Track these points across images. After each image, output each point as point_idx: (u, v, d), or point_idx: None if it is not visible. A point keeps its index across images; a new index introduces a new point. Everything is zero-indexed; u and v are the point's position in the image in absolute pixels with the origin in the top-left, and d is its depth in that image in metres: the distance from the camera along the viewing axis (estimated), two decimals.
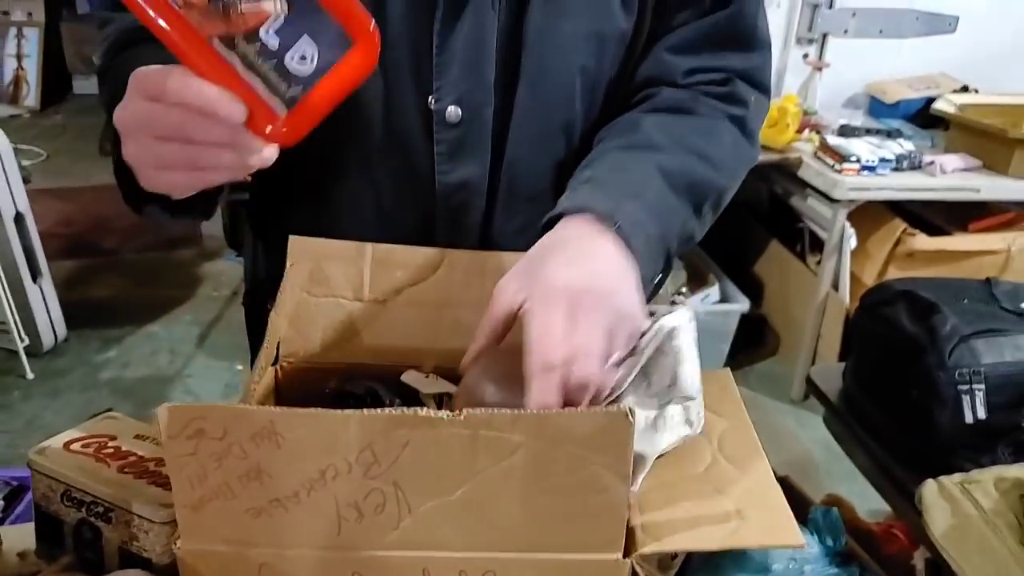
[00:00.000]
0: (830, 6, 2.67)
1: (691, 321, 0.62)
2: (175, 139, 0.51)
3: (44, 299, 2.45)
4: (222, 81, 0.49)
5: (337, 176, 0.74)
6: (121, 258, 3.17)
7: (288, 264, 0.71)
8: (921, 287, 1.06)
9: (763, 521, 0.54)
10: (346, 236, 0.71)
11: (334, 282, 0.72)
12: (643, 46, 0.73)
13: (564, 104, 0.72)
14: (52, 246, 2.60)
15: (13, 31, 4.01)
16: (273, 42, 0.49)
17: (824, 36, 2.71)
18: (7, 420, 2.19)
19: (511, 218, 0.75)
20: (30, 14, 4.02)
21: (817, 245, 2.35)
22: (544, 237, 0.61)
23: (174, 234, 3.23)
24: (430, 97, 0.68)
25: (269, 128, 0.50)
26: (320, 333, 0.70)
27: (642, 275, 0.60)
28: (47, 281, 2.46)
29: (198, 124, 0.50)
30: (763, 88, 0.75)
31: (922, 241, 2.16)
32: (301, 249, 0.72)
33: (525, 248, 0.61)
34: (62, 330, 2.52)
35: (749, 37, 0.73)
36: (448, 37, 0.66)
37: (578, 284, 0.55)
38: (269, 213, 0.81)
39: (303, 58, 0.50)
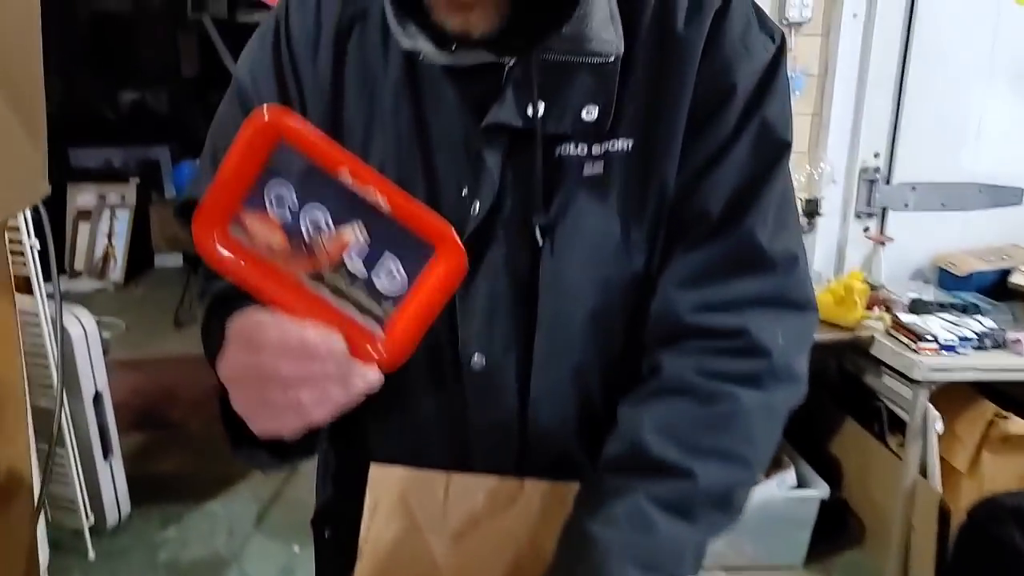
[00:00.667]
0: (887, 181, 2.70)
1: None
2: (281, 385, 0.51)
3: (112, 477, 2.47)
4: (317, 317, 0.50)
5: (381, 420, 0.75)
6: (187, 430, 3.21)
7: (369, 498, 0.70)
8: None
9: None
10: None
11: (416, 516, 0.71)
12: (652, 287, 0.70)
13: (579, 348, 0.70)
14: (123, 418, 2.66)
15: (107, 212, 4.32)
16: (358, 266, 0.51)
17: (884, 210, 2.72)
18: None
19: (542, 457, 0.73)
20: (123, 197, 4.35)
21: (897, 425, 2.24)
22: None
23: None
24: (456, 351, 0.70)
25: (370, 351, 0.51)
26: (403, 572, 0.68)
27: None
28: (117, 458, 2.49)
29: (302, 367, 0.50)
30: (792, 305, 0.67)
31: (1017, 425, 2.03)
32: (382, 480, 0.71)
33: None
34: (126, 506, 2.52)
35: (759, 257, 0.66)
36: (467, 291, 0.68)
37: None
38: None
39: (390, 274, 0.51)
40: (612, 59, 0.65)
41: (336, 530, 0.84)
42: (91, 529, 2.34)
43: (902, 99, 2.62)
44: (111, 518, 2.46)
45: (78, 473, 2.29)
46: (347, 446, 0.80)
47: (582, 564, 0.61)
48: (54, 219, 4.25)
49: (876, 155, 2.67)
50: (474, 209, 0.67)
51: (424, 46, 0.65)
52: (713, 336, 0.66)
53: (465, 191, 0.68)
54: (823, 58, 2.58)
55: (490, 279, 0.69)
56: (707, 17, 0.66)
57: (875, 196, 2.69)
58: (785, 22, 2.46)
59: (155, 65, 5.40)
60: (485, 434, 0.73)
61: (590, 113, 0.66)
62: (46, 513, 2.29)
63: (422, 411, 0.73)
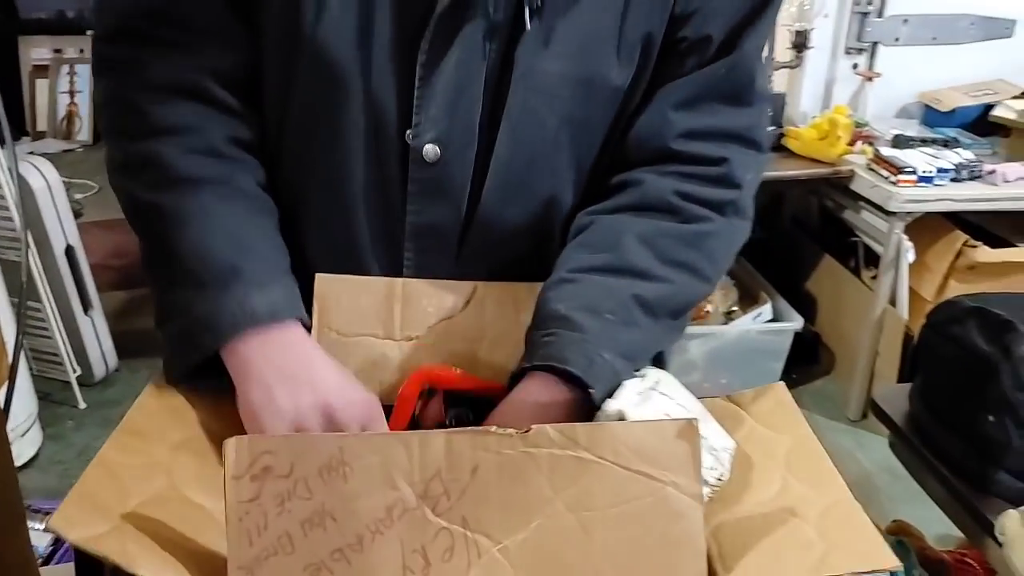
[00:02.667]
0: (880, 14, 2.60)
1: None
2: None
3: (95, 330, 2.49)
4: None
5: (312, 205, 0.70)
6: None
7: (316, 304, 0.69)
8: (993, 303, 1.00)
9: (850, 545, 0.50)
10: (317, 268, 0.70)
11: (365, 321, 0.70)
12: (642, 97, 0.68)
13: (547, 153, 0.67)
14: (103, 278, 2.64)
15: (65, 68, 4.13)
16: None
17: (874, 45, 2.63)
18: (60, 450, 2.21)
19: (479, 265, 0.71)
20: (82, 50, 4.14)
21: (872, 260, 2.27)
22: (513, 400, 0.63)
23: None
24: (406, 135, 0.65)
25: None
26: (354, 375, 0.67)
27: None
28: (98, 313, 2.50)
29: None
30: (758, 146, 0.71)
31: (985, 253, 2.06)
32: (328, 288, 0.69)
33: None
34: (113, 360, 2.56)
35: (747, 89, 0.68)
36: (432, 70, 0.63)
37: None
38: None
39: None
40: None
41: None
42: (79, 380, 2.38)
43: None
44: (98, 371, 2.50)
45: (58, 326, 2.30)
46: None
47: (570, 347, 0.62)
48: (7, 76, 4.06)
49: None
50: None
51: None
52: (696, 162, 0.68)
53: None
54: None
55: (459, 62, 0.63)
56: None
57: (866, 30, 2.60)
58: None
59: None
60: (422, 234, 0.69)
61: None
62: (30, 365, 2.32)
63: (356, 204, 0.68)
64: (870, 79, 2.54)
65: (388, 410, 0.65)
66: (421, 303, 0.70)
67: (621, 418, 0.56)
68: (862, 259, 2.38)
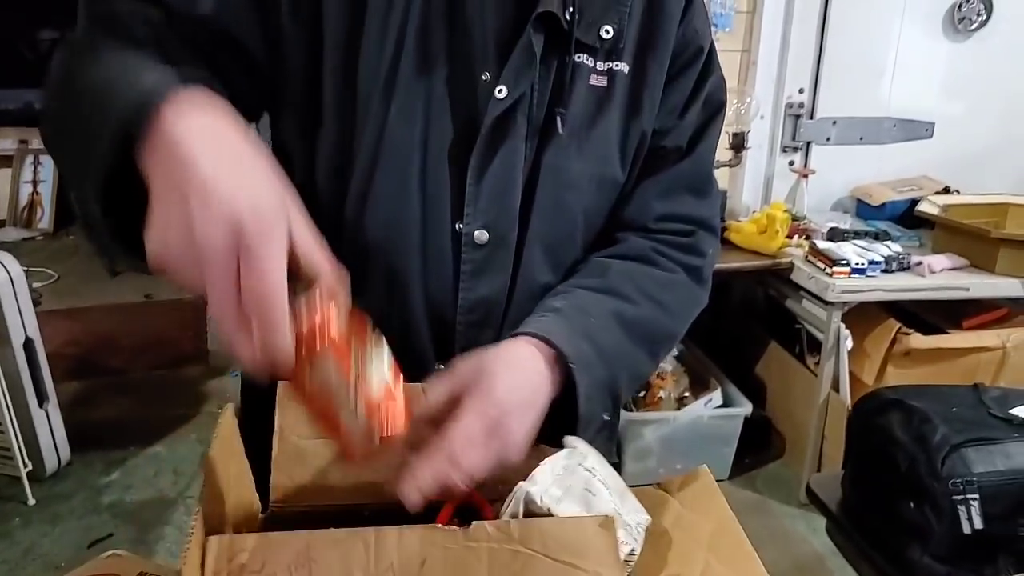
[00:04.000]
0: (811, 116, 2.80)
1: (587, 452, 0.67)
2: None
3: (49, 423, 2.45)
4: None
5: (362, 293, 0.77)
6: (127, 377, 3.19)
7: (277, 409, 0.72)
8: (911, 395, 1.08)
9: None
10: None
11: None
12: (629, 189, 0.83)
13: (571, 232, 0.80)
14: (59, 367, 2.62)
15: (30, 159, 4.17)
16: None
17: (808, 144, 2.82)
18: (5, 548, 2.16)
19: (516, 327, 0.80)
20: None
21: (815, 346, 2.38)
22: (502, 347, 0.69)
23: (182, 351, 3.26)
24: (457, 224, 0.76)
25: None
26: (311, 476, 0.69)
27: (582, 414, 0.69)
28: (53, 405, 2.47)
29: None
30: (715, 232, 0.87)
31: (918, 340, 2.18)
32: (289, 396, 0.73)
33: None
34: (66, 453, 2.51)
35: (706, 183, 0.86)
36: (481, 171, 0.75)
37: (508, 407, 0.63)
38: None
39: None
40: None
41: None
42: (29, 476, 2.33)
43: (825, 36, 2.70)
44: (50, 464, 2.45)
45: (11, 421, 2.28)
46: None
47: (557, 327, 0.72)
48: None
49: (801, 91, 2.76)
50: (499, 93, 0.73)
51: None
52: (671, 234, 0.84)
53: (486, 76, 0.73)
54: None
55: (503, 162, 0.75)
56: None
57: (799, 130, 2.79)
58: None
59: (73, 1, 5.16)
60: (473, 308, 0.78)
61: (608, 33, 0.77)
62: None
63: (413, 285, 0.77)
64: (805, 176, 2.71)
65: (359, 508, 0.69)
66: None
67: (543, 496, 0.60)
68: (806, 345, 2.49)
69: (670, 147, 0.83)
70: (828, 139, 2.81)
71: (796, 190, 2.71)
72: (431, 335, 0.78)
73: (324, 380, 0.51)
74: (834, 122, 2.80)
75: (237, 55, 0.72)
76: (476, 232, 0.76)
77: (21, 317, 2.32)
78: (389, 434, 0.53)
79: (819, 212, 2.75)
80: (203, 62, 0.68)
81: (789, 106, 2.77)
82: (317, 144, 0.76)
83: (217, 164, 0.48)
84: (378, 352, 0.55)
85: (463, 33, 0.74)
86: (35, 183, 4.16)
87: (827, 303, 2.17)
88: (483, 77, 0.74)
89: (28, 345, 2.34)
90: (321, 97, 0.74)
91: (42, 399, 2.41)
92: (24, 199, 4.13)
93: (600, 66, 0.78)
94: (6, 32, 4.98)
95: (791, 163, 2.83)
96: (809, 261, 2.29)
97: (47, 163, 4.12)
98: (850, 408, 2.14)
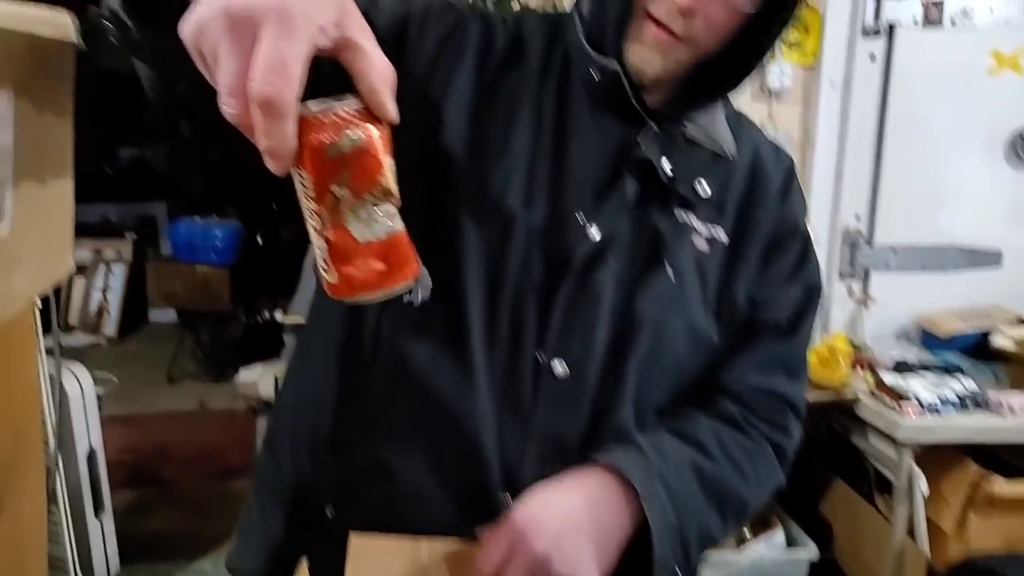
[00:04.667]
0: (869, 243, 2.77)
1: None
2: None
3: (103, 534, 2.46)
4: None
5: (440, 412, 0.77)
6: (178, 487, 3.19)
7: (348, 566, 0.72)
8: (1009, 566, 1.01)
9: None
10: (437, 473, 0.76)
11: None
12: (722, 354, 0.84)
13: (662, 383, 0.81)
14: (114, 475, 2.65)
15: (103, 268, 4.36)
16: None
17: (867, 271, 2.78)
18: None
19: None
20: (119, 252, 4.39)
21: (885, 486, 2.26)
22: (576, 474, 0.72)
23: (232, 463, 3.26)
24: (539, 353, 0.76)
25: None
26: None
27: (657, 556, 0.70)
28: (108, 516, 2.48)
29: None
30: (802, 418, 0.88)
31: (1001, 486, 2.05)
32: (362, 550, 0.73)
33: None
34: (115, 564, 2.50)
35: (801, 366, 0.88)
36: (569, 305, 0.76)
37: (572, 533, 0.68)
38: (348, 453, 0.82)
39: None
40: (729, 156, 0.83)
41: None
42: None
43: (881, 164, 2.70)
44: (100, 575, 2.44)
45: (68, 532, 2.28)
46: (373, 478, 0.79)
47: (635, 463, 0.74)
48: None
49: (857, 218, 2.75)
50: (591, 234, 0.76)
51: (612, 65, 0.76)
52: (760, 407, 0.85)
53: (581, 215, 0.77)
54: (803, 125, 2.67)
55: (592, 299, 0.77)
56: (783, 167, 0.87)
57: (857, 258, 2.76)
58: (766, 91, 2.56)
59: (154, 122, 5.49)
60: (546, 442, 0.77)
61: (703, 188, 0.81)
62: None
63: (486, 412, 0.76)
64: (866, 304, 2.66)
65: None
66: (449, 567, 0.74)
67: None
68: (875, 484, 2.37)
69: (769, 320, 0.85)
70: (888, 266, 2.77)
71: (857, 319, 2.66)
72: (500, 462, 0.77)
73: (299, 191, 0.49)
74: (894, 249, 2.77)
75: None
76: (555, 364, 0.76)
77: (87, 428, 2.36)
78: (350, 277, 0.51)
79: (882, 342, 2.68)
80: None
81: (846, 233, 2.76)
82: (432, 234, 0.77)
83: None
84: (379, 211, 0.52)
85: (565, 173, 0.78)
86: (105, 291, 4.33)
87: (897, 443, 2.08)
88: (578, 216, 0.77)
89: (91, 456, 2.37)
90: (423, 209, 0.76)
91: (98, 509, 2.42)
92: (94, 306, 4.29)
93: (702, 229, 0.81)
94: (88, 149, 5.30)
95: (850, 291, 2.79)
96: (875, 396, 2.22)
97: (118, 272, 4.30)
98: (929, 556, 2.02)
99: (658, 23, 0.74)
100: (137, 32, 0.56)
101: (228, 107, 0.47)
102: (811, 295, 0.87)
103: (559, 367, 0.76)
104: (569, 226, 0.77)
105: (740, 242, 0.83)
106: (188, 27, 0.48)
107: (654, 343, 0.79)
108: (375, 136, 0.50)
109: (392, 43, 0.76)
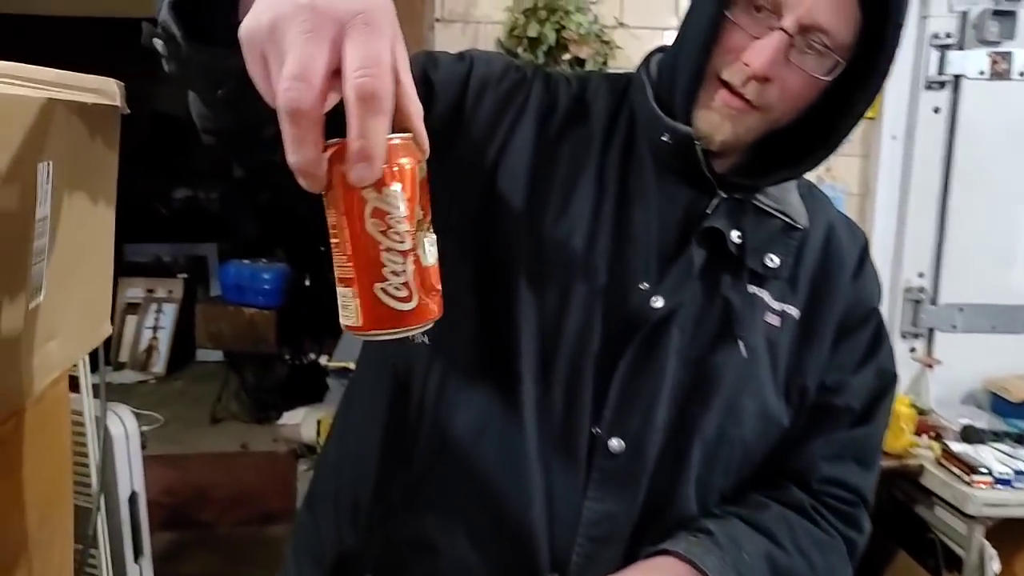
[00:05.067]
0: (933, 302, 2.66)
1: None
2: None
3: None
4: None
5: (488, 486, 0.74)
6: (215, 532, 3.18)
7: None
8: None
9: None
10: (483, 550, 0.72)
11: None
12: (791, 438, 0.79)
13: (727, 468, 0.77)
14: (154, 517, 2.64)
15: (154, 306, 4.44)
16: None
17: (931, 331, 2.67)
18: None
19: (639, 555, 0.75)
20: (171, 291, 4.47)
21: (954, 562, 2.13)
22: (647, 563, 0.70)
23: (270, 508, 3.24)
24: (595, 427, 0.72)
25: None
26: None
27: None
28: (147, 559, 2.46)
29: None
30: (869, 506, 0.83)
31: None
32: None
33: None
34: None
35: (874, 456, 0.84)
36: (630, 378, 0.72)
37: None
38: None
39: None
40: (801, 227, 0.79)
41: None
42: None
43: (946, 218, 2.61)
44: None
45: (108, 574, 2.26)
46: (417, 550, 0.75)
47: (709, 554, 0.71)
48: None
49: (920, 275, 2.65)
50: (656, 302, 0.73)
51: (685, 129, 0.73)
52: (833, 499, 0.81)
53: (645, 285, 0.73)
54: (863, 178, 2.61)
55: (654, 373, 0.73)
56: (858, 245, 0.84)
57: (921, 316, 2.65)
58: None
59: (207, 164, 5.64)
60: (598, 522, 0.73)
61: (773, 261, 0.77)
62: None
63: (536, 487, 0.72)
64: (930, 366, 2.55)
65: None
66: None
67: None
68: (942, 559, 2.24)
69: (841, 406, 0.81)
70: (954, 327, 2.65)
71: (921, 381, 2.54)
72: (549, 543, 0.72)
73: (385, 211, 0.45)
74: (960, 308, 2.65)
75: None
76: (612, 440, 0.72)
77: (130, 470, 2.35)
78: (427, 305, 0.47)
79: (949, 406, 2.55)
80: None
81: (908, 291, 2.66)
82: (458, 328, 0.73)
83: None
84: (431, 239, 0.49)
85: (628, 244, 0.75)
86: (155, 329, 4.41)
87: (967, 516, 1.96)
88: (642, 286, 0.73)
89: (133, 499, 2.36)
90: (477, 270, 0.74)
91: (138, 553, 2.40)
92: (144, 343, 4.36)
93: (776, 305, 0.77)
94: (143, 190, 5.48)
95: (912, 350, 2.67)
96: (942, 465, 2.09)
97: (169, 311, 4.37)
98: None
99: (731, 89, 0.71)
100: (187, 45, 0.54)
101: (293, 93, 0.42)
102: (885, 381, 0.83)
103: (616, 444, 0.72)
104: (632, 294, 0.73)
105: (812, 320, 0.79)
106: (255, 23, 0.45)
107: (722, 424, 0.74)
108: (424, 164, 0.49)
109: (450, 104, 0.74)
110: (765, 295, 0.77)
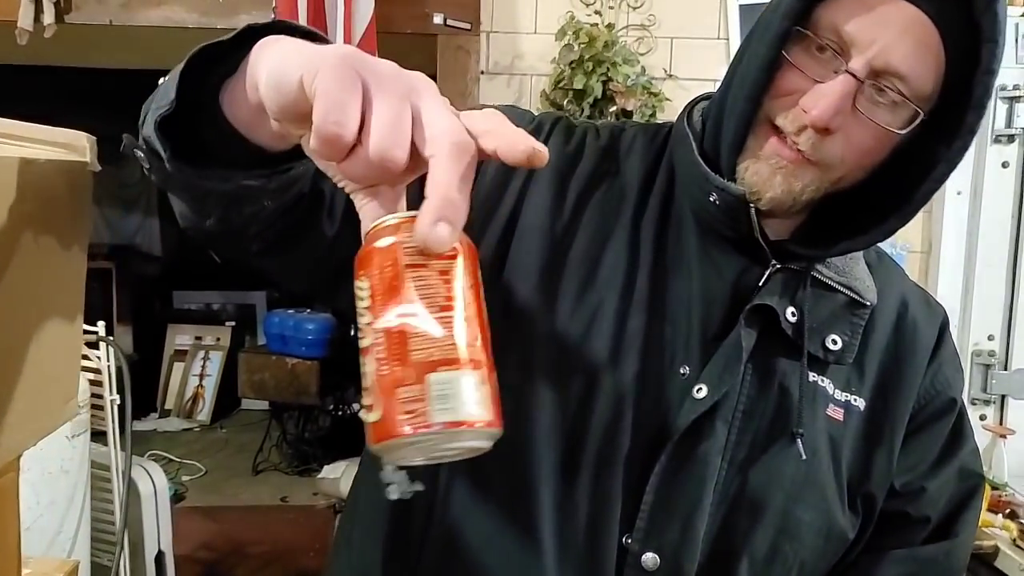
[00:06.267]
0: (1005, 367, 2.49)
1: None
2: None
3: None
4: None
5: None
6: None
7: None
8: None
9: None
10: None
11: None
12: (857, 552, 0.69)
13: None
14: (187, 573, 2.59)
15: (201, 354, 4.47)
16: None
17: (1003, 398, 2.50)
18: None
19: None
20: (218, 339, 4.51)
21: None
22: None
23: (306, 567, 3.16)
24: (626, 537, 0.63)
25: None
26: None
27: None
28: None
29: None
30: None
31: None
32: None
33: None
34: None
35: (956, 575, 0.72)
36: (667, 481, 0.62)
37: None
38: None
39: None
40: (868, 303, 0.68)
41: None
42: None
43: (1017, 278, 2.46)
44: None
45: None
46: None
47: None
48: (152, 358, 4.41)
49: (991, 338, 2.49)
50: (698, 392, 0.63)
51: (738, 189, 0.63)
52: None
53: (686, 370, 0.64)
54: (926, 235, 2.49)
55: (696, 476, 0.63)
56: (937, 323, 0.73)
57: (991, 382, 2.49)
58: None
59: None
60: None
61: (835, 343, 0.66)
62: None
63: None
64: (1003, 436, 2.37)
65: None
66: None
67: None
68: None
69: (915, 516, 0.70)
70: None
71: (992, 452, 2.36)
72: None
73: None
74: None
75: None
76: (646, 555, 0.62)
77: (158, 528, 2.32)
78: (392, 421, 0.38)
79: (1023, 479, 2.36)
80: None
81: (977, 354, 2.49)
82: None
83: None
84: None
85: (665, 323, 0.65)
86: (202, 376, 4.43)
87: None
88: (681, 372, 0.63)
89: (159, 558, 2.32)
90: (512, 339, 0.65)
91: None
92: (190, 391, 4.38)
93: (839, 395, 0.66)
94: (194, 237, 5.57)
95: (983, 418, 2.50)
96: (1018, 546, 1.92)
97: (215, 358, 4.40)
98: None
99: (783, 137, 0.61)
100: (172, 165, 0.50)
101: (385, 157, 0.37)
102: (970, 484, 0.71)
103: (651, 559, 0.62)
104: (669, 384, 0.64)
105: (881, 413, 0.68)
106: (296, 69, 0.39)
107: (775, 539, 0.64)
108: None
109: None
110: (828, 384, 0.66)
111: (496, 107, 0.72)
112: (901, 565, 0.69)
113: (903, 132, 0.60)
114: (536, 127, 0.70)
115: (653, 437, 0.63)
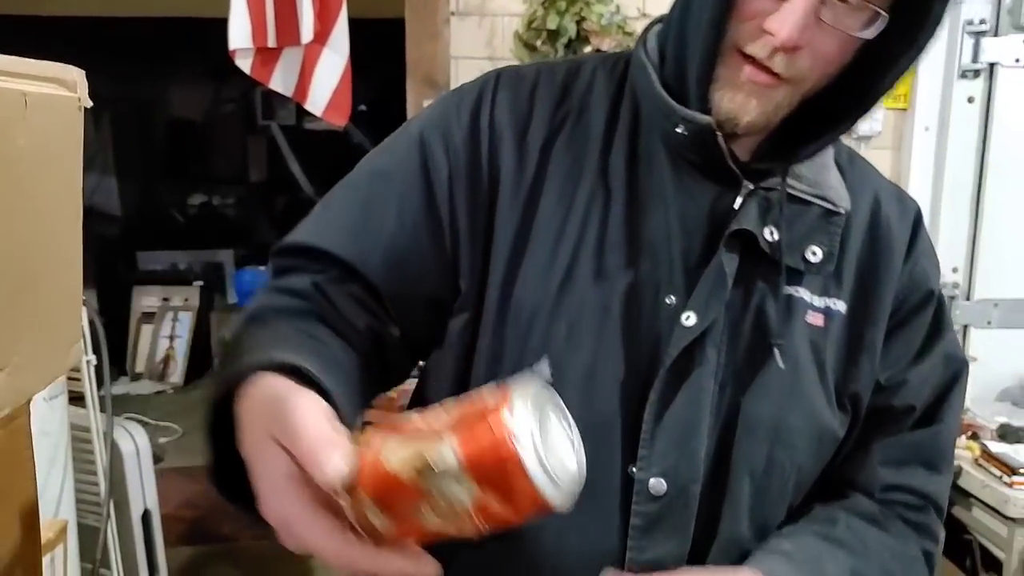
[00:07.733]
0: (967, 298, 2.57)
1: None
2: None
3: None
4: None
5: (515, 539, 0.65)
6: (235, 546, 3.13)
7: None
8: None
9: None
10: None
11: None
12: (849, 447, 0.73)
13: (782, 497, 0.70)
14: (172, 531, 2.60)
15: (170, 315, 4.41)
16: None
17: (966, 328, 2.58)
18: None
19: None
20: (186, 300, 4.45)
21: (992, 564, 2.05)
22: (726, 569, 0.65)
23: None
24: (630, 467, 0.64)
25: None
26: None
27: None
28: None
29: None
30: (942, 513, 0.76)
31: None
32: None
33: None
34: None
35: (944, 458, 0.75)
36: (664, 409, 0.64)
37: None
38: None
39: None
40: (842, 211, 0.69)
41: None
42: None
43: (980, 212, 2.52)
44: None
45: None
46: None
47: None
48: (118, 321, 4.34)
49: (955, 270, 2.56)
50: (687, 320, 0.64)
51: (704, 119, 0.63)
52: (900, 505, 0.74)
53: (672, 299, 0.65)
54: (895, 172, 2.52)
55: (691, 401, 0.65)
56: (909, 218, 0.73)
57: (955, 312, 2.56)
58: (854, 136, 2.41)
59: (224, 170, 5.62)
60: (643, 571, 0.65)
61: (815, 255, 0.68)
62: None
63: (568, 541, 0.65)
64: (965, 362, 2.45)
65: None
66: None
67: None
68: (979, 560, 2.15)
69: (900, 407, 0.72)
70: (989, 322, 2.56)
71: None
72: None
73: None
74: (995, 304, 2.56)
75: (415, 284, 0.68)
76: (652, 480, 0.64)
77: (143, 488, 2.32)
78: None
79: (983, 403, 2.46)
80: (369, 308, 0.67)
81: (942, 286, 2.56)
82: (472, 368, 0.67)
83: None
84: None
85: (645, 254, 0.65)
86: (172, 338, 4.38)
87: (1008, 519, 1.88)
88: (667, 301, 0.64)
89: (146, 516, 2.32)
90: (482, 318, 0.67)
91: (153, 572, 2.36)
92: (160, 353, 4.33)
93: (818, 302, 0.68)
94: (159, 198, 5.47)
95: None
96: (980, 466, 2.01)
97: (185, 319, 4.34)
98: None
99: (755, 62, 0.61)
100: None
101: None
102: (953, 370, 0.73)
103: (657, 484, 0.64)
104: (657, 315, 0.65)
105: (862, 313, 0.69)
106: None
107: (771, 450, 0.67)
108: None
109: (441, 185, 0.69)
110: (804, 293, 0.68)
111: (442, 96, 0.72)
112: (890, 451, 0.72)
113: (868, 35, 0.60)
114: (479, 93, 0.70)
115: (645, 368, 0.65)
